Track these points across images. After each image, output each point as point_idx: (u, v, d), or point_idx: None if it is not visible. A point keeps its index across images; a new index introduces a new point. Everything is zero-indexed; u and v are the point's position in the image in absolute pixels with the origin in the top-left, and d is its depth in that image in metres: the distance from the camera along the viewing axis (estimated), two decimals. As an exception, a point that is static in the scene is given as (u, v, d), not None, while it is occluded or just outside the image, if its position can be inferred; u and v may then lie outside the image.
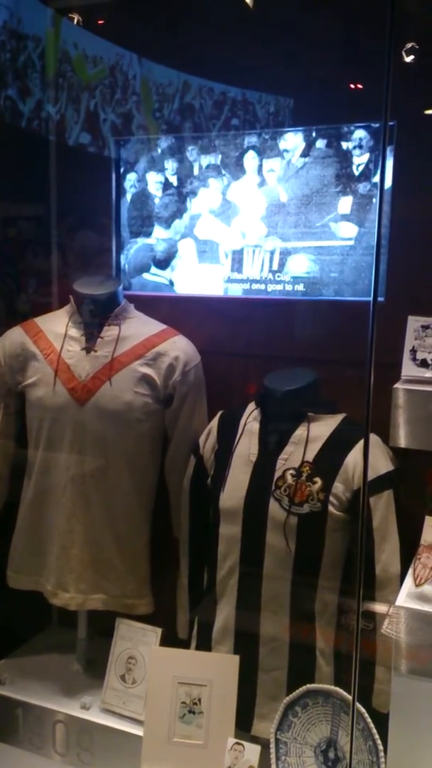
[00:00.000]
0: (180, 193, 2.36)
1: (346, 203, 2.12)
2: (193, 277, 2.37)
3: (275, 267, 2.24)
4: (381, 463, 1.84)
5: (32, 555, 2.21)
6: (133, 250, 2.45)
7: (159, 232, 2.41)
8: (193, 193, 2.34)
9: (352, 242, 2.13)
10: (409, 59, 1.90)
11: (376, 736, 1.67)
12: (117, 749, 2.06)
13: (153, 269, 2.44)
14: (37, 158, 2.54)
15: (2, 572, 2.27)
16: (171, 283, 2.41)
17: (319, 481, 1.83)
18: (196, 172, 2.32)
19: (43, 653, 2.46)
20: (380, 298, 2.00)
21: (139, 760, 1.93)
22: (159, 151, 2.38)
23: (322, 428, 1.89)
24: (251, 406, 2.02)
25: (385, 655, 1.74)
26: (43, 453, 2.15)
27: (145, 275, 2.45)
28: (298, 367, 2.00)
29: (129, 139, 2.43)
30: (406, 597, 1.65)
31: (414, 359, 1.78)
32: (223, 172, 2.29)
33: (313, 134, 2.15)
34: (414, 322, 1.80)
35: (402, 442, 1.74)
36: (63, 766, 2.15)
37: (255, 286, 2.28)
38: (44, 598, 2.19)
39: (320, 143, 2.14)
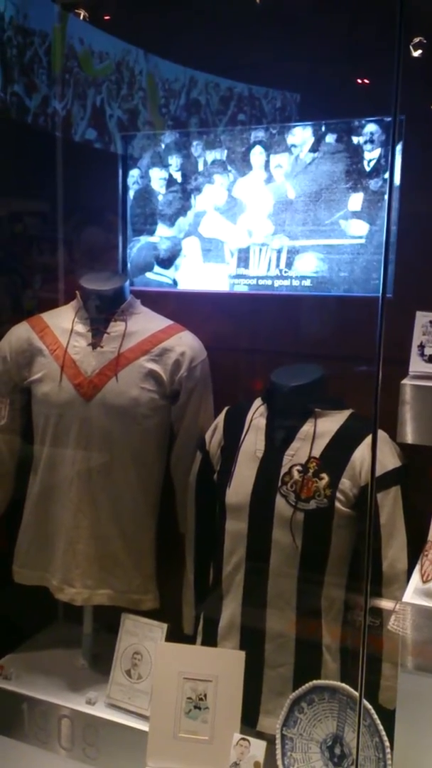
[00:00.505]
0: (184, 190, 2.34)
1: (356, 200, 2.09)
2: (198, 277, 2.35)
3: (283, 266, 2.22)
4: (388, 459, 1.83)
5: (38, 550, 2.21)
6: (136, 248, 2.43)
7: (162, 230, 2.38)
8: (198, 190, 2.31)
9: (362, 240, 2.10)
10: (416, 54, 1.89)
11: (383, 733, 1.66)
12: (122, 744, 2.07)
13: (156, 268, 2.41)
14: (43, 154, 2.54)
15: (8, 567, 2.27)
16: (175, 282, 2.40)
17: (325, 477, 1.82)
18: (201, 168, 2.30)
19: (48, 648, 2.46)
20: (388, 294, 1.99)
21: (144, 755, 1.94)
22: (163, 146, 2.36)
23: (329, 424, 1.89)
24: (258, 401, 2.01)
25: (392, 651, 1.74)
26: (49, 449, 2.15)
27: (148, 274, 2.43)
28: (305, 362, 1.99)
29: (135, 134, 2.43)
30: (413, 593, 1.65)
31: (422, 355, 1.77)
32: (229, 168, 2.26)
33: (323, 129, 2.11)
34: (422, 318, 1.78)
35: (409, 438, 1.73)
36: (68, 761, 2.15)
37: (261, 283, 2.26)
38: (50, 593, 2.19)
39: (330, 138, 2.11)
